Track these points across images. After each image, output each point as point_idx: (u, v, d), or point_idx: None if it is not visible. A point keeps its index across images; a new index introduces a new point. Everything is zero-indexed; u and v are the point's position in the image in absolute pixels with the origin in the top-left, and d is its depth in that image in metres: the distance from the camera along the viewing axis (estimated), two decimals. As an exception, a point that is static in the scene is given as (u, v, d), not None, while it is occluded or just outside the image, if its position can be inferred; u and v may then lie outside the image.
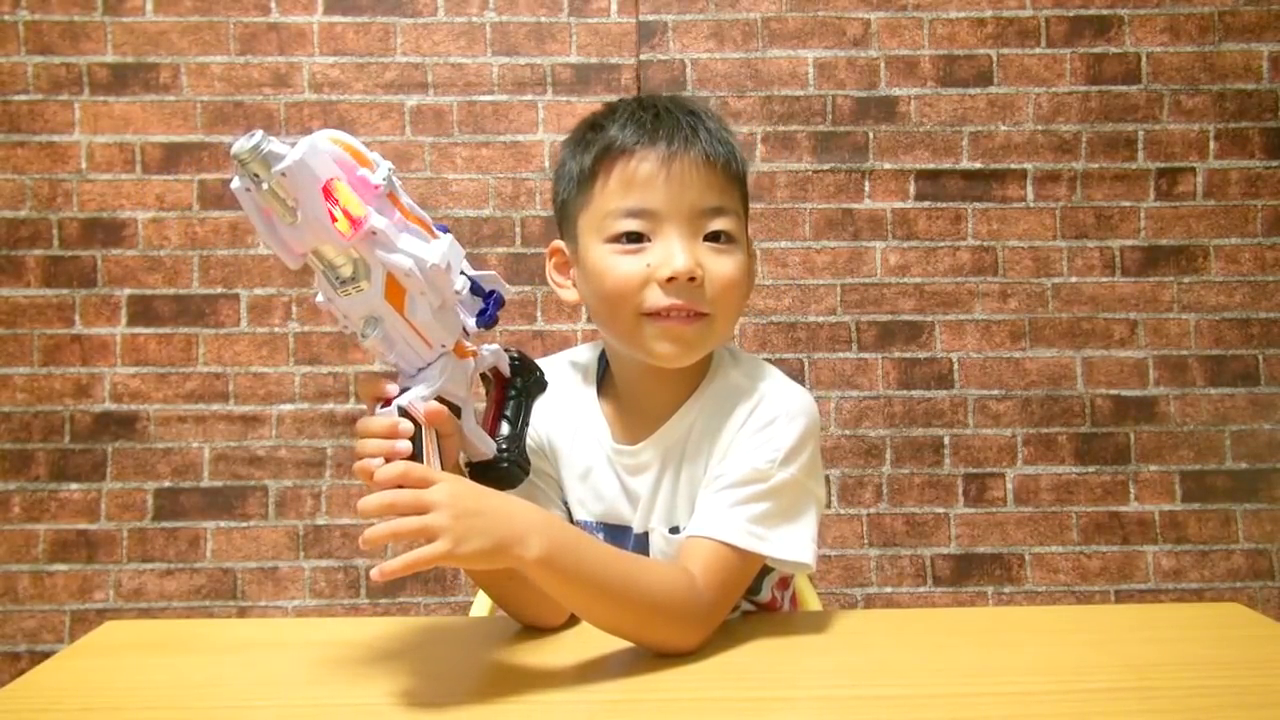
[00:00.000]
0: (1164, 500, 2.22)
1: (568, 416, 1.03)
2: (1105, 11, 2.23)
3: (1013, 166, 2.23)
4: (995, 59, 2.23)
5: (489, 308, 0.84)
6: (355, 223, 0.71)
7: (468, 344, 0.84)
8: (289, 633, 1.09)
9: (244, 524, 2.19)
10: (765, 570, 1.00)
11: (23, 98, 2.19)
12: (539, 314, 2.22)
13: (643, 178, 0.91)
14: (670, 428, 0.98)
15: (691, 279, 0.89)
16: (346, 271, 0.74)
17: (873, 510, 2.22)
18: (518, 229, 2.22)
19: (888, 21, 2.23)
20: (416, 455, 0.76)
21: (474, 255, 1.79)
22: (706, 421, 0.97)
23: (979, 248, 2.23)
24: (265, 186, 0.69)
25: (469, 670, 0.86)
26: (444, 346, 0.80)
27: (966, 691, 0.77)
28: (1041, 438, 2.22)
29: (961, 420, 2.22)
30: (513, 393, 0.90)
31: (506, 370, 0.89)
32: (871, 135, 2.23)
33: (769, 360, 1.04)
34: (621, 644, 0.85)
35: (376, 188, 0.74)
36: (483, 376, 0.89)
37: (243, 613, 2.18)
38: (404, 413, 0.77)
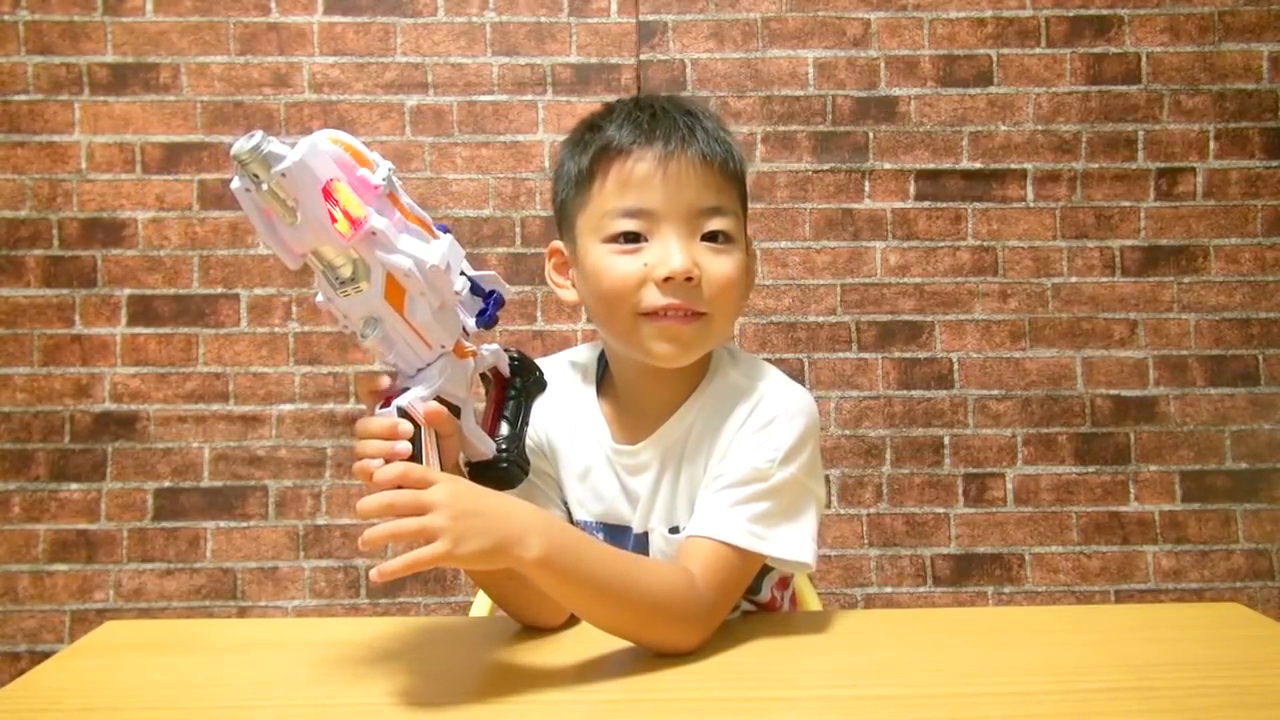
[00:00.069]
0: (1164, 500, 2.22)
1: (567, 416, 1.03)
2: (1105, 11, 2.23)
3: (1013, 166, 2.23)
4: (995, 59, 2.23)
5: (489, 308, 0.84)
6: (355, 223, 0.71)
7: (467, 344, 0.83)
8: (289, 633, 1.08)
9: (244, 524, 2.19)
10: (765, 570, 1.00)
11: (23, 98, 2.19)
12: (539, 314, 2.22)
13: (639, 178, 0.91)
14: (670, 428, 0.98)
15: (688, 279, 0.89)
16: (346, 272, 0.74)
17: (873, 510, 2.22)
18: (518, 229, 2.22)
19: (888, 21, 2.23)
20: (416, 456, 0.76)
21: (474, 255, 1.79)
22: (706, 421, 0.97)
23: (979, 248, 2.23)
24: (265, 187, 0.69)
25: (469, 670, 0.86)
26: (443, 347, 0.80)
27: (966, 691, 0.77)
28: (1041, 438, 2.22)
29: (961, 420, 2.22)
30: (512, 393, 0.90)
31: (506, 370, 0.89)
32: (871, 135, 2.23)
33: (769, 360, 1.04)
34: (621, 644, 0.85)
35: (376, 188, 0.73)
36: (482, 376, 0.89)
37: (243, 613, 2.18)
38: (403, 413, 0.77)
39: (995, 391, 2.23)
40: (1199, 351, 2.23)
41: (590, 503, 1.01)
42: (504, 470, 0.87)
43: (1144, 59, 2.23)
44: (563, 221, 0.99)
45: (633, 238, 0.91)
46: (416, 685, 0.79)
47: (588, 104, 2.07)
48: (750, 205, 1.02)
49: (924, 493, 2.22)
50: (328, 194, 0.70)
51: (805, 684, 0.82)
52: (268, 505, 2.20)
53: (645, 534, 0.99)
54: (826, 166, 2.23)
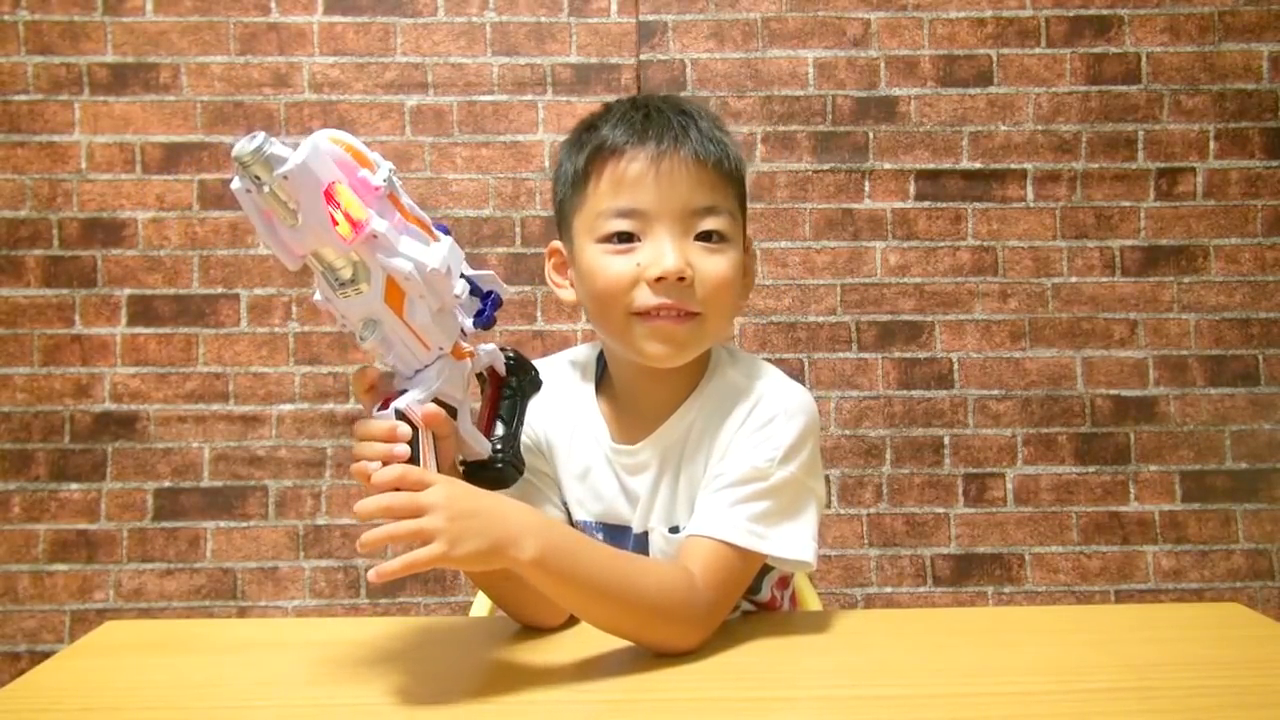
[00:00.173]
0: (1164, 500, 2.22)
1: (566, 416, 1.03)
2: (1105, 11, 2.23)
3: (1013, 166, 2.23)
4: (995, 59, 2.23)
5: (486, 309, 0.84)
6: (356, 226, 0.71)
7: (465, 345, 0.83)
8: (289, 633, 1.09)
9: (244, 524, 2.19)
10: (765, 569, 1.00)
11: (23, 98, 2.19)
12: (539, 314, 2.22)
13: (632, 177, 0.91)
14: (669, 427, 0.98)
15: (681, 278, 0.89)
16: (346, 274, 0.74)
17: (873, 510, 2.22)
18: (518, 229, 2.22)
19: (888, 21, 2.23)
20: (413, 458, 0.77)
21: (474, 255, 1.79)
22: (705, 421, 0.97)
23: (979, 248, 2.23)
24: (267, 189, 0.69)
25: (469, 670, 0.86)
26: (441, 349, 0.80)
27: (966, 691, 0.77)
28: (1041, 438, 2.22)
29: (961, 420, 2.22)
30: (508, 392, 0.90)
31: (502, 369, 0.89)
32: (871, 135, 2.23)
33: (769, 360, 1.04)
34: (621, 644, 0.85)
35: (377, 189, 0.73)
36: (478, 375, 0.89)
37: (243, 613, 2.18)
38: (401, 416, 0.77)
39: (995, 391, 2.23)
40: (1199, 351, 2.23)
41: (589, 502, 1.01)
42: (499, 470, 0.87)
43: (1144, 59, 2.23)
44: (561, 222, 0.99)
45: (626, 237, 0.91)
46: (416, 685, 0.79)
47: (588, 104, 2.07)
48: (750, 205, 1.02)
49: (924, 493, 2.22)
50: (329, 196, 0.70)
51: (805, 684, 0.81)
52: (268, 505, 2.20)
53: (645, 534, 0.99)
54: (826, 166, 2.23)
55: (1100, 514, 2.22)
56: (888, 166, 2.23)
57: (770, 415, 0.94)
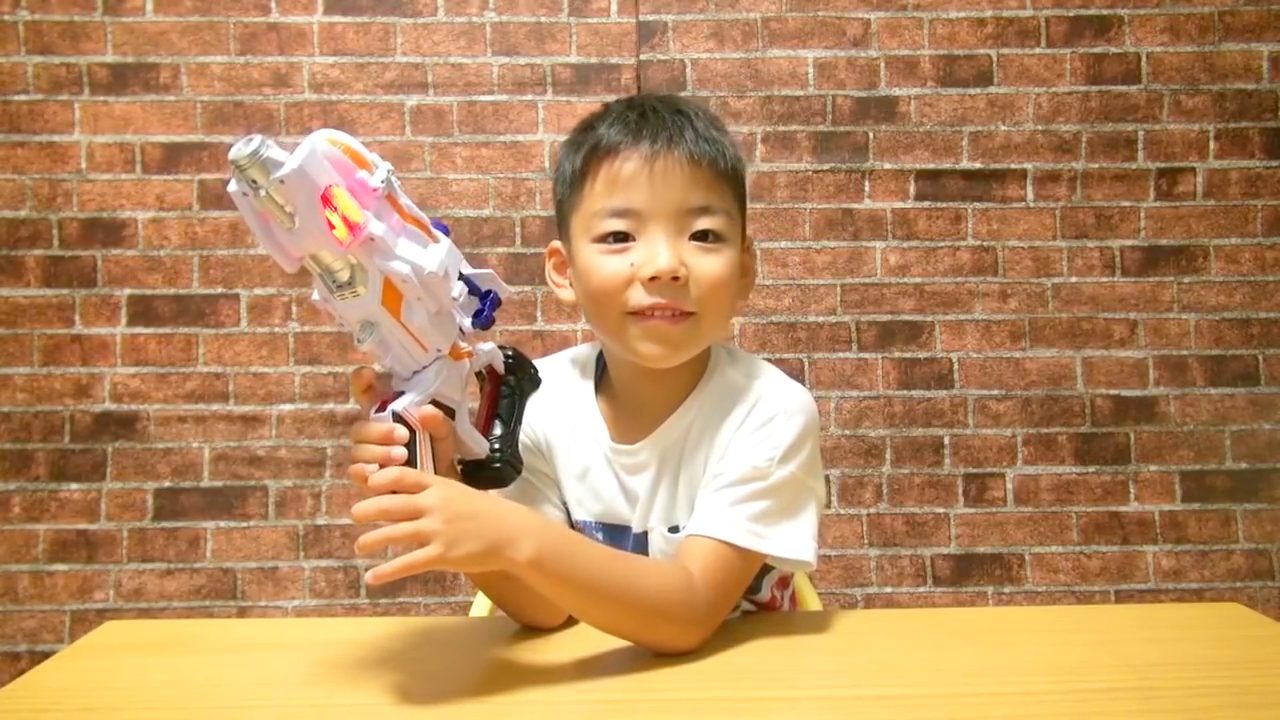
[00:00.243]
0: (1164, 500, 2.22)
1: (565, 415, 1.03)
2: (1105, 11, 2.23)
3: (1013, 166, 2.23)
4: (995, 59, 2.23)
5: (485, 309, 0.84)
6: (353, 229, 0.70)
7: (463, 345, 0.83)
8: (289, 633, 1.09)
9: (244, 524, 2.19)
10: (765, 569, 1.00)
11: (23, 98, 2.19)
12: (539, 314, 2.22)
13: (626, 177, 0.91)
14: (668, 427, 0.98)
15: (675, 278, 0.89)
16: (344, 276, 0.74)
17: (873, 510, 2.22)
18: (518, 229, 2.22)
19: (888, 21, 2.23)
20: (411, 460, 0.77)
21: (474, 255, 1.79)
22: (705, 420, 0.97)
23: (979, 248, 2.23)
24: (263, 193, 0.68)
25: (469, 670, 0.86)
26: (439, 351, 0.80)
27: (966, 691, 0.77)
28: (1041, 438, 2.22)
29: (961, 420, 2.22)
30: (506, 390, 0.90)
31: (501, 368, 0.89)
32: (871, 135, 2.23)
33: (769, 360, 1.04)
34: (621, 644, 0.85)
35: (375, 191, 0.73)
36: (477, 374, 0.88)
37: (243, 613, 2.18)
38: (398, 418, 0.77)
39: (995, 391, 2.23)
40: (1199, 351, 2.23)
41: (589, 502, 1.01)
42: (497, 469, 0.87)
43: (1144, 59, 2.23)
44: (561, 222, 0.99)
45: (621, 237, 0.91)
46: (416, 685, 0.79)
47: (588, 104, 2.07)
48: (750, 205, 1.01)
49: (924, 493, 2.22)
50: (326, 200, 0.69)
51: (805, 684, 0.81)
52: (268, 505, 2.20)
53: (645, 533, 0.99)
54: (826, 166, 2.23)
55: (1100, 514, 2.22)
56: (888, 166, 2.23)
57: (770, 415, 0.93)
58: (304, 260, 0.73)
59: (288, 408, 2.20)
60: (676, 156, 0.91)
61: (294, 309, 2.21)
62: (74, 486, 2.19)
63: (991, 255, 2.23)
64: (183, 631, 1.08)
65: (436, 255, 0.77)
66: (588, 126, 0.96)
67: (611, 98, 1.49)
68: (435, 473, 0.79)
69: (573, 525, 1.02)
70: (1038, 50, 2.23)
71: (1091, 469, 2.22)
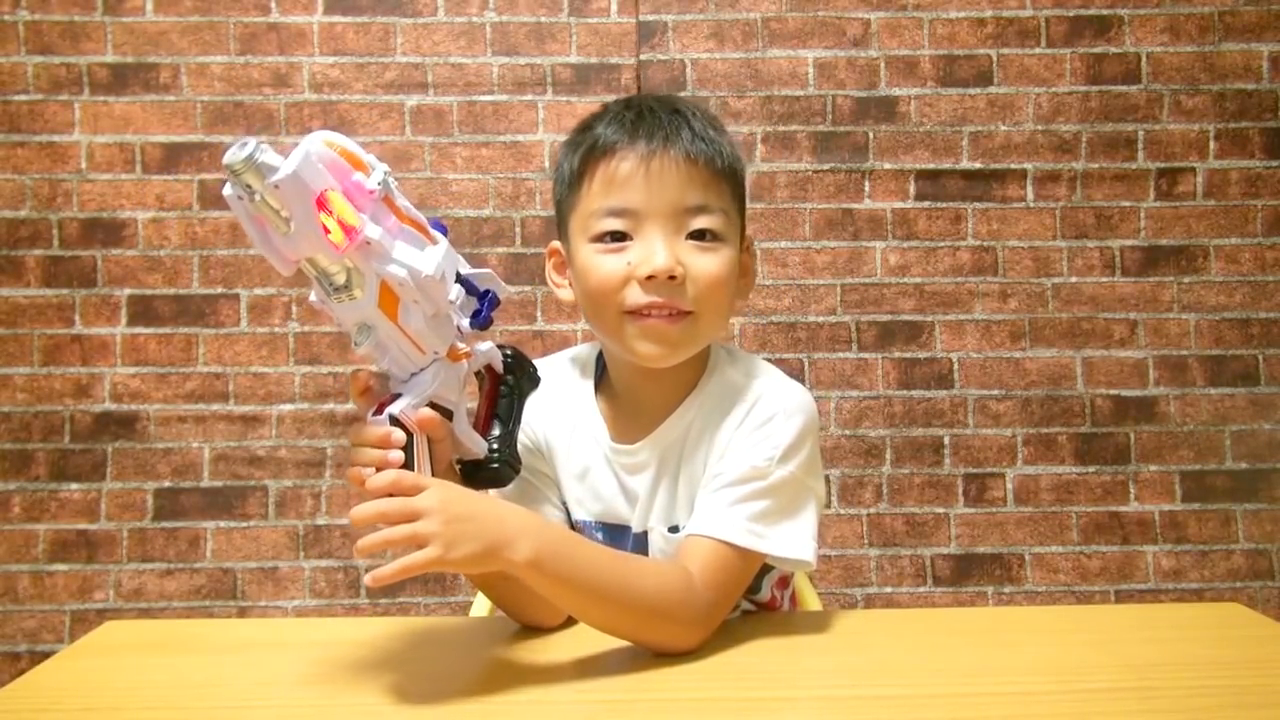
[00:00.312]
0: (1164, 500, 2.22)
1: (565, 415, 1.03)
2: (1105, 11, 2.23)
3: (1013, 166, 2.23)
4: (995, 59, 2.23)
5: (484, 309, 0.84)
6: (349, 233, 0.70)
7: (461, 346, 0.83)
8: (289, 633, 1.09)
9: (244, 524, 2.19)
10: (765, 569, 1.00)
11: (23, 98, 2.19)
12: (539, 314, 2.22)
13: (623, 177, 0.91)
14: (668, 427, 0.98)
15: (671, 277, 0.89)
16: (340, 279, 0.73)
17: (873, 510, 2.22)
18: (518, 229, 2.22)
19: (888, 21, 2.23)
20: (409, 462, 0.77)
21: (474, 255, 1.79)
22: (704, 420, 0.97)
23: (979, 248, 2.23)
24: (258, 197, 0.68)
25: (469, 670, 0.86)
26: (437, 353, 0.80)
27: (966, 691, 0.77)
28: (1041, 438, 2.22)
29: (961, 420, 2.22)
30: (505, 390, 0.89)
31: (500, 368, 0.89)
32: (871, 135, 2.23)
33: (769, 360, 1.04)
34: (620, 644, 0.85)
35: (371, 193, 0.73)
36: (476, 373, 0.88)
37: (243, 613, 2.18)
38: (396, 421, 0.77)
39: (995, 391, 2.23)
40: (1199, 351, 2.23)
41: (589, 502, 1.01)
42: (495, 469, 0.87)
43: (1144, 59, 2.23)
44: (560, 222, 0.99)
45: (618, 236, 0.91)
46: (416, 685, 0.79)
47: (588, 104, 2.07)
48: (750, 205, 1.01)
49: (924, 493, 2.22)
50: (321, 204, 0.69)
51: (805, 684, 0.81)
52: (268, 505, 2.20)
53: (644, 533, 0.99)
54: (826, 166, 2.23)
55: (1100, 514, 2.22)
56: (888, 166, 2.23)
57: (769, 414, 0.93)
58: (300, 264, 0.73)
59: (288, 408, 2.20)
60: (673, 156, 0.91)
61: (294, 309, 2.21)
62: (74, 486, 2.19)
63: (991, 255, 2.23)
64: (183, 631, 1.08)
65: (433, 258, 0.76)
66: (585, 127, 0.96)
67: (611, 98, 1.49)
68: (433, 474, 0.79)
69: (572, 525, 1.02)
70: (1038, 50, 2.23)
71: (1091, 469, 2.22)
